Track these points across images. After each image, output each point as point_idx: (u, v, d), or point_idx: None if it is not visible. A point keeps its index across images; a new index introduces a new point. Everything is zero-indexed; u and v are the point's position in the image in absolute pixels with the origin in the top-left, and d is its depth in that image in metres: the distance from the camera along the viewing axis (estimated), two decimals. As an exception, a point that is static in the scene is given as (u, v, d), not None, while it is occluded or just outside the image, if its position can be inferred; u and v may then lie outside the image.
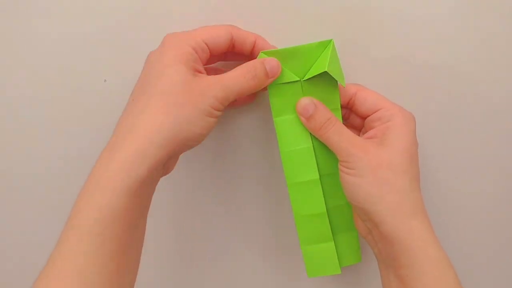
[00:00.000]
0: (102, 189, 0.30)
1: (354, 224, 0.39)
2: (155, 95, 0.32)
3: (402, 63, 0.41)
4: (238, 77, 0.34)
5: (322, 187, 0.38)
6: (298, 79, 0.36)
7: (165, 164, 0.34)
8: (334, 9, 0.40)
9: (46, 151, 0.42)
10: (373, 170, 0.34)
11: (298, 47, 0.36)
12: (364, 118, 0.38)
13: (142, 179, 0.31)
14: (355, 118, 0.39)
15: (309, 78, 0.36)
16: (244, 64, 0.35)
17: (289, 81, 0.36)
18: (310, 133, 0.37)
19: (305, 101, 0.36)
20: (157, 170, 0.32)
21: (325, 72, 0.34)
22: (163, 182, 0.35)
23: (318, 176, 0.38)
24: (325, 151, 0.38)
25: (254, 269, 0.46)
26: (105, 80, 0.41)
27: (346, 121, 0.40)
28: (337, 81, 0.37)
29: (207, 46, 0.35)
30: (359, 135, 0.39)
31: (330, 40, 0.36)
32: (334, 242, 0.39)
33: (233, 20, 0.39)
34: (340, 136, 0.36)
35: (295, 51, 0.36)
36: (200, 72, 0.34)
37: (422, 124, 0.42)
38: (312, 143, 0.38)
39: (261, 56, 0.36)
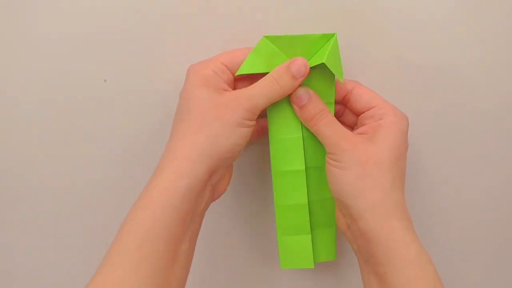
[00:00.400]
0: (143, 208, 0.33)
1: (334, 220, 0.39)
2: (186, 118, 0.35)
3: (401, 64, 0.41)
4: (264, 87, 0.35)
5: (307, 179, 0.38)
6: None
7: (212, 185, 0.36)
8: (334, 9, 0.40)
9: (46, 151, 0.42)
10: (359, 165, 0.34)
11: (301, 36, 0.36)
12: (357, 115, 0.38)
13: (182, 196, 0.33)
14: (349, 115, 0.40)
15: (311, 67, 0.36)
16: (271, 72, 0.36)
17: None
18: (302, 124, 0.37)
19: (300, 91, 0.36)
20: (199, 188, 0.34)
21: (324, 64, 0.34)
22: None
23: (304, 167, 0.38)
24: (315, 144, 0.38)
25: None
26: (105, 80, 0.41)
27: (340, 118, 0.39)
28: (334, 75, 0.37)
29: (226, 67, 0.36)
30: None
31: (334, 34, 0.36)
32: (312, 236, 0.39)
33: (233, 18, 0.39)
34: (330, 128, 0.36)
35: (298, 39, 0.36)
36: (226, 90, 0.36)
37: (421, 124, 0.42)
38: (302, 134, 0.38)
39: (264, 41, 0.36)
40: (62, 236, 0.44)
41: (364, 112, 0.38)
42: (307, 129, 0.37)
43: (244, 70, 0.36)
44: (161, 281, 0.32)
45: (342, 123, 0.38)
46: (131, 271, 0.31)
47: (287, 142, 0.38)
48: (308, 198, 0.38)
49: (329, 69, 0.35)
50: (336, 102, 0.38)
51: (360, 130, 0.37)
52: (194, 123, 0.34)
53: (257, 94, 0.35)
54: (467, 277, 0.46)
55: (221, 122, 0.34)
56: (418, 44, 0.40)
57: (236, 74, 0.36)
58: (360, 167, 0.34)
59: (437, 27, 0.40)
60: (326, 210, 0.39)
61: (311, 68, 0.36)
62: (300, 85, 0.36)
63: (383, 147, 0.35)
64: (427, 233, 0.45)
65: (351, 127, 0.40)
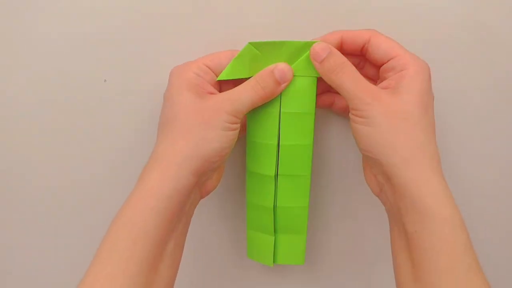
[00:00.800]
0: (132, 208, 0.33)
1: (304, 228, 0.40)
2: (171, 123, 0.35)
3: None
4: (247, 91, 0.35)
5: (277, 186, 0.39)
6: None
7: (199, 185, 0.36)
8: (332, 9, 0.40)
9: (46, 151, 0.42)
10: (387, 119, 0.33)
11: (285, 42, 0.36)
12: (378, 67, 0.37)
13: (168, 198, 0.33)
14: (369, 67, 0.38)
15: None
16: (254, 76, 0.36)
17: None
18: (278, 132, 0.37)
19: (320, 46, 0.35)
20: (185, 190, 0.34)
21: (306, 72, 0.36)
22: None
23: (273, 174, 0.38)
24: (291, 153, 0.38)
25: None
26: (105, 80, 0.41)
27: (361, 70, 0.38)
28: (315, 83, 0.37)
29: (209, 68, 0.36)
30: None
31: (316, 42, 0.36)
32: (278, 239, 0.40)
33: (233, 19, 0.39)
34: (353, 82, 0.34)
35: (282, 46, 0.36)
36: (211, 92, 0.36)
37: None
38: (279, 142, 0.38)
39: (248, 47, 0.36)
40: (61, 236, 0.44)
41: (384, 63, 0.36)
42: (285, 137, 0.37)
43: (225, 75, 0.36)
44: (149, 280, 0.32)
45: (364, 76, 0.37)
46: (119, 269, 0.31)
47: (261, 147, 0.38)
48: (277, 203, 0.39)
49: (309, 79, 0.36)
50: (355, 54, 0.37)
51: (382, 84, 0.35)
52: (179, 128, 0.34)
53: (240, 98, 0.35)
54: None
55: (206, 126, 0.34)
56: (416, 43, 0.40)
57: (218, 79, 0.37)
58: (388, 121, 0.33)
59: (435, 27, 0.40)
60: (295, 218, 0.40)
61: (296, 76, 0.37)
62: (283, 89, 0.36)
63: (409, 99, 0.33)
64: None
65: (374, 80, 0.38)
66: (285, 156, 0.38)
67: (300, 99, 0.37)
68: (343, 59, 0.35)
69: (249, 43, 0.36)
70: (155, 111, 0.42)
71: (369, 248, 0.45)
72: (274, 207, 0.39)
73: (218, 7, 0.40)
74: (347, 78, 0.34)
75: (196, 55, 0.40)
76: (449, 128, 0.42)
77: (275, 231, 0.40)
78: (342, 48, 0.37)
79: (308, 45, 0.36)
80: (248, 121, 0.38)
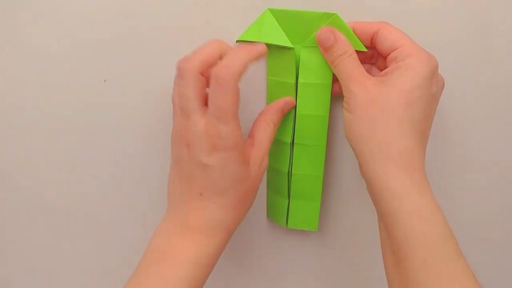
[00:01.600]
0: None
1: (317, 196, 0.41)
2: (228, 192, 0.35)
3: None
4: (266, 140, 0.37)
5: (293, 153, 0.40)
6: (293, 47, 0.37)
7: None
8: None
9: (46, 151, 0.42)
10: (365, 108, 0.33)
11: (303, 12, 0.37)
12: (385, 57, 0.36)
13: (199, 266, 0.34)
14: (382, 60, 0.37)
15: (309, 46, 0.37)
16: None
17: (285, 45, 0.38)
18: (295, 99, 0.39)
19: (324, 33, 0.36)
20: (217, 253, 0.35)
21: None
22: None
23: (290, 141, 0.40)
24: (308, 122, 0.39)
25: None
26: (105, 80, 0.41)
27: (375, 65, 0.39)
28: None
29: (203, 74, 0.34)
30: None
31: (335, 14, 0.36)
32: (292, 204, 0.42)
33: (234, 18, 0.39)
34: (346, 70, 0.35)
35: (300, 16, 0.37)
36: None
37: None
38: (295, 110, 0.39)
39: (267, 13, 0.38)
40: (61, 235, 0.45)
41: (390, 53, 0.35)
42: (302, 107, 0.39)
43: (245, 37, 0.38)
44: None
45: (377, 68, 0.37)
46: None
47: None
48: (292, 170, 0.40)
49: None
50: (366, 46, 0.37)
51: (382, 73, 0.35)
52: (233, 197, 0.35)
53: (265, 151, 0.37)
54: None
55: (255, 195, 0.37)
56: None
57: (237, 40, 0.38)
58: (365, 110, 0.33)
59: (434, 27, 0.40)
60: (310, 185, 0.41)
61: (313, 46, 0.37)
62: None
63: (392, 90, 0.33)
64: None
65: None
66: (301, 126, 0.39)
67: (318, 70, 0.38)
68: (347, 48, 0.35)
69: (268, 9, 0.38)
70: (155, 111, 0.42)
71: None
72: (289, 173, 0.41)
73: (219, 7, 0.39)
74: (343, 66, 0.35)
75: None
76: (452, 127, 0.42)
77: (289, 196, 0.41)
78: None
79: (326, 16, 0.37)
80: (269, 91, 0.40)
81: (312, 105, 0.39)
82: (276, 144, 0.40)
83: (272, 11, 0.38)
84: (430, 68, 0.33)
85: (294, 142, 0.40)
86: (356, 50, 0.36)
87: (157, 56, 0.40)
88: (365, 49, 0.36)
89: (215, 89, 0.32)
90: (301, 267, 0.46)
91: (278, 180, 0.42)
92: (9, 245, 0.45)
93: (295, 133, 0.39)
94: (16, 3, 0.39)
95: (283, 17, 0.38)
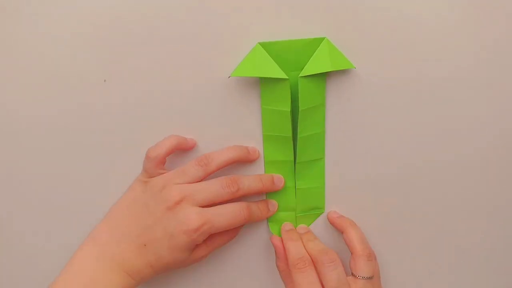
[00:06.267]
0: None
1: (322, 203, 0.44)
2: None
3: (396, 64, 0.41)
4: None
5: (296, 171, 0.42)
6: (287, 78, 0.38)
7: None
8: (328, 9, 0.40)
9: (46, 151, 0.42)
10: None
11: (293, 41, 0.39)
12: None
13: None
14: None
15: (305, 76, 0.38)
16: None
17: (278, 77, 0.38)
18: (291, 126, 0.40)
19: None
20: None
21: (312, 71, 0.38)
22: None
23: (292, 159, 0.42)
24: (308, 142, 0.41)
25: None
26: (105, 80, 0.41)
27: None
28: (324, 79, 0.40)
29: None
30: None
31: (323, 38, 0.38)
32: (299, 214, 0.44)
33: (231, 19, 0.39)
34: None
35: (290, 45, 0.39)
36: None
37: (417, 124, 0.42)
38: (292, 134, 0.41)
39: (258, 47, 0.38)
40: (61, 235, 0.44)
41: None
42: (302, 131, 0.41)
43: (238, 72, 0.39)
44: None
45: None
46: None
47: (278, 139, 0.41)
48: (296, 185, 0.43)
49: (317, 73, 0.38)
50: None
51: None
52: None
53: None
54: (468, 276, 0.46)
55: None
56: (413, 43, 0.40)
57: (231, 75, 0.39)
58: None
59: (432, 26, 0.40)
60: (313, 197, 0.44)
61: (309, 76, 0.38)
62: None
63: None
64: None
65: None
66: (302, 146, 0.41)
67: (314, 94, 0.39)
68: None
69: (258, 43, 0.38)
70: (155, 111, 0.42)
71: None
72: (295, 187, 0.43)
73: (217, 7, 0.39)
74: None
75: (197, 54, 0.40)
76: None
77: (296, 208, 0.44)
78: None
79: (316, 41, 0.38)
80: (264, 119, 0.41)
81: (311, 126, 0.41)
82: (280, 164, 0.42)
83: (262, 44, 0.39)
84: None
85: (296, 161, 0.42)
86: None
87: (157, 56, 0.40)
88: (353, 67, 0.39)
89: None
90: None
91: (284, 196, 0.43)
92: (9, 245, 0.45)
93: (296, 154, 0.41)
94: (16, 3, 0.39)
95: (273, 48, 0.39)
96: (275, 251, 0.42)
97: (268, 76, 0.38)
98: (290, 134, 0.41)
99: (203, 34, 0.40)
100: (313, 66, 0.38)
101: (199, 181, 0.39)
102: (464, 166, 0.44)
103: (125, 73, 0.41)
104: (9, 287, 0.46)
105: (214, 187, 0.38)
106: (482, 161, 0.43)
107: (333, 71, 0.39)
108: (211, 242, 0.41)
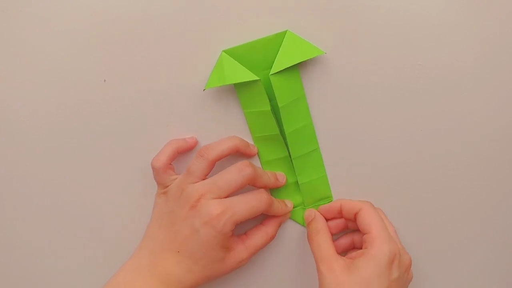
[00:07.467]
0: None
1: (328, 192, 0.44)
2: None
3: (395, 65, 0.41)
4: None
5: (294, 166, 0.43)
6: (259, 79, 0.39)
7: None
8: (326, 9, 0.40)
9: (46, 151, 0.42)
10: None
11: (256, 41, 0.39)
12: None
13: None
14: (360, 234, 0.41)
15: (275, 73, 0.39)
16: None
17: (250, 79, 0.39)
18: (276, 123, 0.41)
19: (308, 212, 0.43)
20: None
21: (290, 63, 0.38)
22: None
23: (286, 154, 0.42)
24: (297, 135, 0.41)
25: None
26: (105, 80, 0.41)
27: (354, 235, 0.43)
28: (298, 71, 0.40)
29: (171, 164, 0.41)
30: None
31: (286, 31, 0.39)
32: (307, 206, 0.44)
33: (232, 19, 0.39)
34: (318, 249, 0.39)
35: (254, 45, 0.39)
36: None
37: (417, 123, 0.42)
38: (280, 131, 0.41)
39: (223, 55, 0.39)
40: (60, 235, 0.44)
41: (364, 234, 0.39)
42: (288, 127, 0.41)
43: (211, 84, 0.39)
44: None
45: (357, 241, 0.42)
46: None
47: (268, 138, 0.42)
48: (298, 180, 0.43)
49: (291, 66, 0.39)
50: (351, 220, 0.42)
51: (351, 254, 0.39)
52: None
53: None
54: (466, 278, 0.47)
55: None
56: (412, 44, 0.41)
57: (205, 88, 0.39)
58: None
59: (431, 26, 0.40)
60: (318, 188, 0.44)
61: (279, 72, 0.39)
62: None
63: (354, 279, 0.36)
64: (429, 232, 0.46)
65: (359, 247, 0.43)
66: (292, 141, 0.42)
67: (291, 88, 0.40)
68: (320, 227, 0.41)
69: (223, 51, 0.39)
70: (155, 111, 0.42)
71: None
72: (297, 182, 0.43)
73: (217, 8, 0.40)
74: (316, 243, 0.40)
75: (196, 54, 0.40)
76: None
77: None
78: (343, 214, 0.42)
79: (279, 36, 0.39)
80: (249, 122, 0.41)
81: (295, 120, 0.41)
82: (276, 162, 0.43)
83: (227, 51, 0.39)
84: (389, 256, 0.37)
85: (292, 157, 0.42)
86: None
87: (157, 56, 0.40)
88: (323, 53, 0.39)
89: None
90: (303, 268, 0.46)
91: (289, 192, 0.44)
92: (9, 245, 0.45)
93: (289, 150, 0.42)
94: (16, 3, 0.39)
95: (239, 53, 0.39)
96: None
97: (239, 81, 0.39)
98: (277, 131, 0.41)
99: (203, 34, 0.40)
100: (281, 61, 0.39)
101: (207, 173, 0.39)
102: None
103: (125, 73, 0.41)
104: (9, 287, 0.46)
105: (229, 175, 0.38)
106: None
107: (304, 61, 0.40)
108: (249, 243, 0.41)
